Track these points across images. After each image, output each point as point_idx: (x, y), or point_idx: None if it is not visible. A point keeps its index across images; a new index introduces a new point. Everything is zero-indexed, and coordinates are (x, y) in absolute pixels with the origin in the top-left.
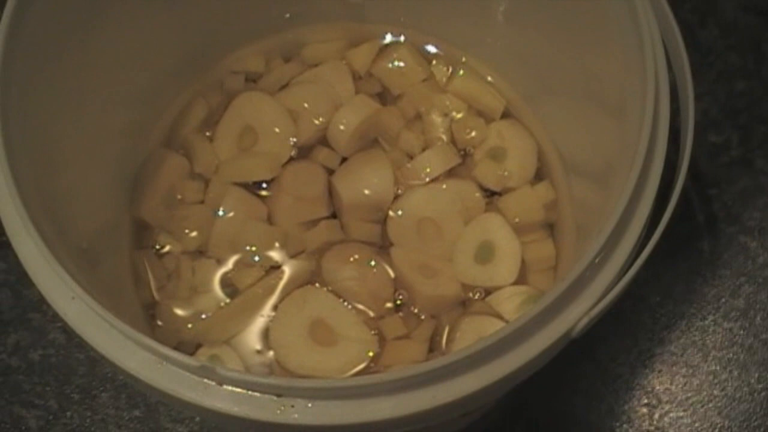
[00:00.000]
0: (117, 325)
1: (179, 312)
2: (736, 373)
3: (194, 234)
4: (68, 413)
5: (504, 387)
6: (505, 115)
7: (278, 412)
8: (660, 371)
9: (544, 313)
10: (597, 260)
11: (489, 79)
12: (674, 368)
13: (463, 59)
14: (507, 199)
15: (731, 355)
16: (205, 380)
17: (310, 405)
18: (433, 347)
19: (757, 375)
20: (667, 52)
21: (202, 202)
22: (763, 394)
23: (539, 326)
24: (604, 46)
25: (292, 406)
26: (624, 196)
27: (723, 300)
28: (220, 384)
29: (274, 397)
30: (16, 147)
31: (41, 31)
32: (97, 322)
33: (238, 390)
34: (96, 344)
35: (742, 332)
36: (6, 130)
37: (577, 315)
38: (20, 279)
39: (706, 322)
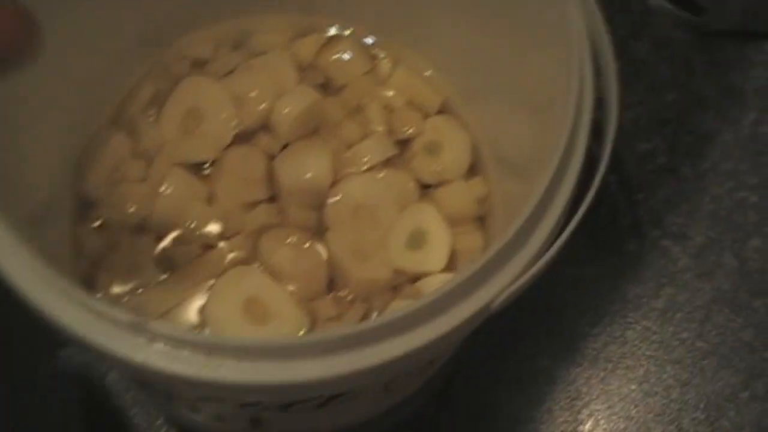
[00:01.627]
0: (54, 281)
1: (117, 285)
2: (652, 369)
3: (135, 210)
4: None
5: (425, 355)
6: (443, 110)
7: (206, 369)
8: (581, 365)
9: (464, 285)
10: (517, 240)
11: (428, 74)
12: (594, 363)
13: (405, 54)
14: (441, 192)
15: (649, 352)
16: (137, 337)
17: (237, 364)
18: None
19: (672, 372)
20: (599, 59)
21: (144, 180)
22: (677, 390)
23: (460, 298)
24: (537, 47)
25: (220, 365)
26: (543, 181)
27: (644, 300)
28: (151, 341)
29: (203, 356)
30: None
31: None
32: (36, 278)
33: (168, 347)
34: (33, 299)
35: (660, 331)
36: None
37: (497, 290)
38: None
39: (627, 320)
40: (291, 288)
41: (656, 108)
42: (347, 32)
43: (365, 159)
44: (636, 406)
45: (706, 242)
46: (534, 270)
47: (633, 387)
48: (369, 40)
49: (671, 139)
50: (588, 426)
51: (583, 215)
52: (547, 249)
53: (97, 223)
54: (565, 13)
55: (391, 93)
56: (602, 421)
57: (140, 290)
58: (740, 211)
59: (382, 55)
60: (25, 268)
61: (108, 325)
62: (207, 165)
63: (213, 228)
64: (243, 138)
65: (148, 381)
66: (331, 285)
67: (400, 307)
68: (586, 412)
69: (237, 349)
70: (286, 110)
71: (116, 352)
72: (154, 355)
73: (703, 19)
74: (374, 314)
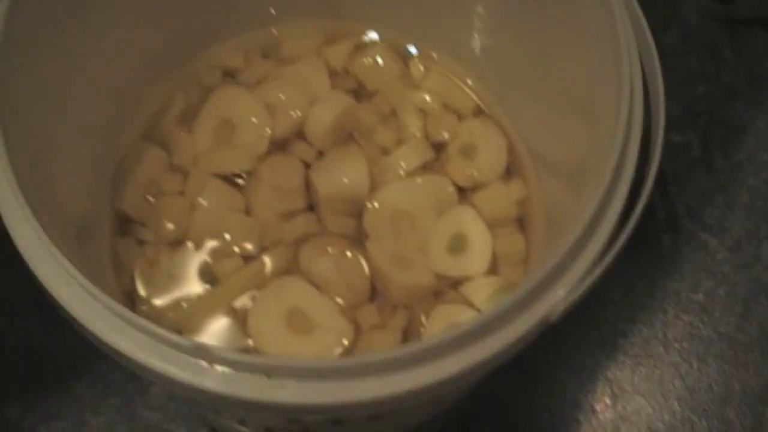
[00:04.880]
0: (113, 307)
1: (159, 300)
2: (695, 364)
3: (173, 225)
4: (44, 403)
5: (484, 370)
6: (478, 112)
7: (268, 391)
8: (623, 362)
9: (524, 299)
10: (574, 250)
11: (463, 76)
12: (636, 359)
13: (438, 57)
14: (480, 195)
15: (691, 347)
16: (198, 360)
17: (298, 385)
18: (406, 336)
19: (715, 366)
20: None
21: (181, 193)
22: (721, 384)
23: (519, 311)
24: (578, 48)
25: (282, 386)
26: (599, 192)
27: (683, 294)
28: (212, 364)
29: (265, 377)
30: (11, 140)
31: (29, 32)
32: (92, 305)
33: (229, 370)
34: (91, 326)
35: (701, 325)
36: (4, 124)
37: (555, 301)
38: None
39: (668, 316)
40: (333, 298)
41: (687, 100)
42: (378, 36)
43: (402, 164)
44: (680, 402)
45: (744, 234)
46: (591, 279)
47: (676, 383)
48: (401, 44)
49: (704, 130)
50: (632, 423)
51: (635, 225)
52: (601, 257)
53: (136, 238)
54: (613, 12)
55: (425, 96)
56: (646, 417)
57: (183, 303)
58: None
59: (414, 58)
60: (81, 296)
61: (169, 349)
62: (243, 175)
63: (252, 239)
64: (278, 147)
65: (206, 402)
66: (373, 292)
67: (443, 312)
68: (629, 409)
69: (298, 370)
70: (320, 117)
71: (178, 377)
72: (216, 379)
73: (731, 8)
74: (419, 319)
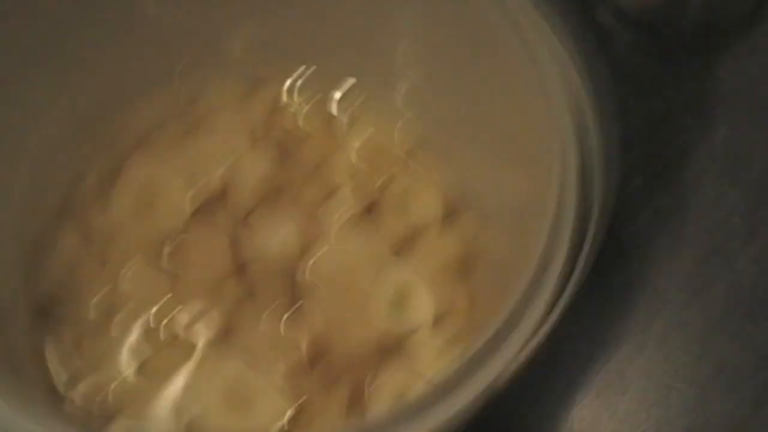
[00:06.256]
0: (23, 408)
1: (87, 385)
2: (658, 401)
3: (96, 303)
4: None
5: None
6: (408, 161)
7: None
8: (587, 405)
9: (468, 366)
10: (518, 308)
11: (390, 124)
12: (600, 399)
13: (362, 106)
14: (418, 247)
15: (652, 383)
16: None
17: None
18: (352, 401)
19: (683, 396)
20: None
21: (102, 270)
22: (686, 419)
23: (464, 380)
24: (508, 90)
25: None
26: (540, 243)
27: (640, 329)
28: None
29: None
30: None
31: None
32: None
33: None
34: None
35: (662, 359)
36: None
37: (502, 364)
38: None
39: (626, 352)
40: (272, 367)
41: (623, 132)
42: (297, 87)
43: (333, 219)
44: None
45: (693, 265)
46: (542, 333)
47: (641, 417)
48: (322, 94)
49: (643, 161)
50: None
51: (576, 284)
52: (550, 310)
53: (57, 322)
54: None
55: (351, 148)
56: None
57: (113, 386)
58: (725, 226)
59: (338, 109)
60: None
61: None
62: (167, 245)
63: (181, 311)
64: (201, 212)
65: None
66: (315, 358)
67: (389, 373)
68: None
69: None
70: (243, 179)
71: None
72: None
73: (659, 38)
74: (365, 381)
